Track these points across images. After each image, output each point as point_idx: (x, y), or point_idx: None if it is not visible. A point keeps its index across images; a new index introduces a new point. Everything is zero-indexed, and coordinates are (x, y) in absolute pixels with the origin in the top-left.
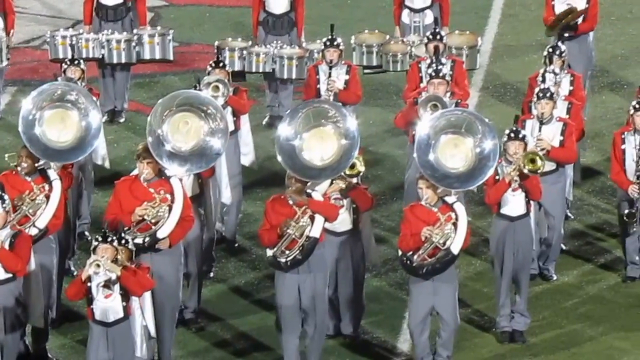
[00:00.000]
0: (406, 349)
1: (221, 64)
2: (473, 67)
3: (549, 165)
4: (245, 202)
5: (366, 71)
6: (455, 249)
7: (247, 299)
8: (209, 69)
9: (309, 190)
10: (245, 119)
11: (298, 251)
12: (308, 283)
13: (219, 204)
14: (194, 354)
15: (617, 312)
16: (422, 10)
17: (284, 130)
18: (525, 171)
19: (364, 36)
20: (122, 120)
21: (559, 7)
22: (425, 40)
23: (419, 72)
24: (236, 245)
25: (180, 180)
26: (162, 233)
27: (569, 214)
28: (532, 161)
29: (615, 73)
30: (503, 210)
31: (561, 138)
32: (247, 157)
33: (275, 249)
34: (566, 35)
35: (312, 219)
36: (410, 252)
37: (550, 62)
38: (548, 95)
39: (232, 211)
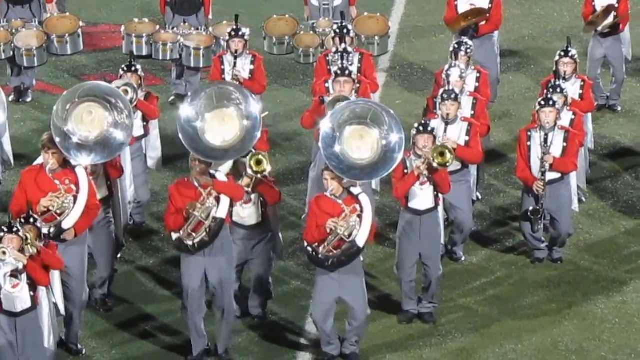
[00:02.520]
0: (314, 329)
1: (133, 69)
2: (384, 52)
3: (454, 165)
4: (151, 180)
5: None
6: (361, 241)
7: (153, 281)
8: (121, 72)
9: (212, 172)
10: (154, 124)
11: (205, 233)
12: (215, 265)
13: (127, 206)
14: (100, 335)
15: (525, 292)
16: None
17: (186, 111)
18: (435, 165)
19: (273, 25)
20: (28, 99)
21: (462, 7)
22: (332, 34)
23: (327, 65)
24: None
25: (86, 169)
26: (67, 224)
27: (478, 196)
28: (442, 154)
29: (523, 53)
30: (411, 204)
31: (466, 138)
32: (153, 160)
33: (181, 232)
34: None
35: (217, 200)
36: (316, 244)
37: (456, 58)
38: (453, 97)
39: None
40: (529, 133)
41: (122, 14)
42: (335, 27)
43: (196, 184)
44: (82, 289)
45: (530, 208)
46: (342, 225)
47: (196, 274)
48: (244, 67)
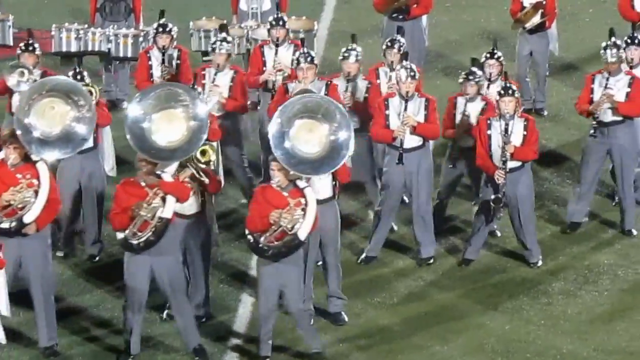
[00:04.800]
0: (242, 331)
1: (30, 48)
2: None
3: (416, 140)
4: None
5: (205, 58)
6: (303, 234)
7: (91, 279)
8: (19, 51)
9: (159, 172)
10: (107, 130)
11: (151, 232)
12: (162, 265)
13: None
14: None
15: (451, 294)
16: None
17: (134, 111)
18: None
19: (201, 22)
20: None
21: None
22: (268, 26)
23: (262, 57)
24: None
25: (46, 163)
26: (28, 218)
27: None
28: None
29: (450, 58)
30: None
31: (425, 113)
32: (109, 167)
33: (127, 231)
34: (396, 15)
35: (163, 200)
36: (258, 233)
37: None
38: (412, 74)
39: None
40: (488, 122)
41: (53, 19)
42: (271, 18)
43: (142, 184)
44: (46, 283)
45: (492, 197)
46: (286, 218)
47: (141, 273)
48: (171, 62)
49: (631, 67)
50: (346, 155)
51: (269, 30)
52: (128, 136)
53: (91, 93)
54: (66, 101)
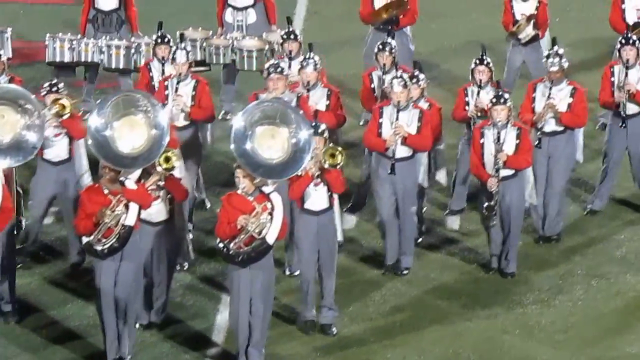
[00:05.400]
0: (220, 340)
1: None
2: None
3: (405, 151)
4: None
5: (193, 69)
6: (271, 238)
7: (62, 288)
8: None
9: (122, 179)
10: (80, 144)
11: (115, 239)
12: (122, 271)
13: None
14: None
15: (426, 304)
16: (245, 8)
17: (94, 120)
18: (326, 166)
19: (188, 32)
20: None
21: (378, 3)
22: (280, 40)
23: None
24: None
25: None
26: None
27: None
28: (332, 156)
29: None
30: (306, 205)
31: (418, 124)
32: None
33: (91, 237)
34: (384, 27)
35: (127, 207)
36: (227, 240)
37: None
38: (402, 84)
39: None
40: (482, 130)
41: (29, 30)
42: (282, 32)
43: (106, 191)
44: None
45: (485, 205)
46: (253, 222)
47: (108, 277)
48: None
49: (627, 68)
50: (308, 157)
51: (282, 45)
52: (91, 144)
53: (64, 107)
54: (16, 110)
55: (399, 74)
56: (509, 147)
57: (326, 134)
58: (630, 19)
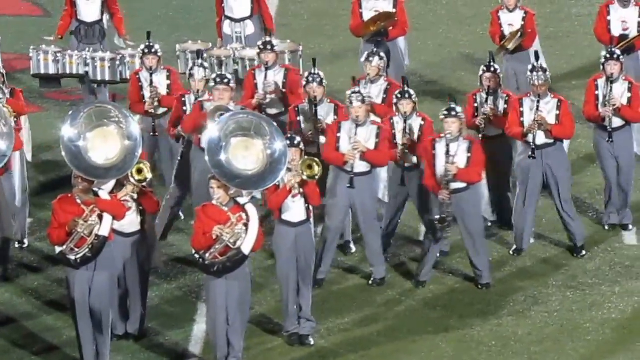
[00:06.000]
0: (197, 351)
1: None
2: None
3: (364, 166)
4: (34, 206)
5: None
6: (246, 249)
7: (39, 300)
8: None
9: (96, 189)
10: (24, 119)
11: (88, 249)
12: (97, 280)
13: (12, 205)
14: None
15: (402, 315)
16: (243, 20)
17: (67, 131)
18: (304, 177)
19: (187, 45)
20: None
21: (367, 15)
22: (257, 50)
23: (253, 80)
24: (25, 246)
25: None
26: None
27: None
28: (310, 167)
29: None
30: (284, 217)
31: (376, 140)
32: (28, 155)
33: (64, 246)
34: (374, 39)
35: (100, 217)
36: (203, 250)
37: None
38: (360, 99)
39: (22, 214)
40: (434, 142)
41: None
42: (259, 42)
43: (79, 201)
44: None
45: (437, 217)
46: (228, 233)
47: (81, 287)
48: (160, 82)
49: (611, 82)
50: (283, 168)
51: (258, 54)
52: (64, 154)
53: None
54: None
55: (356, 89)
56: (461, 160)
57: (302, 146)
58: (616, 31)
